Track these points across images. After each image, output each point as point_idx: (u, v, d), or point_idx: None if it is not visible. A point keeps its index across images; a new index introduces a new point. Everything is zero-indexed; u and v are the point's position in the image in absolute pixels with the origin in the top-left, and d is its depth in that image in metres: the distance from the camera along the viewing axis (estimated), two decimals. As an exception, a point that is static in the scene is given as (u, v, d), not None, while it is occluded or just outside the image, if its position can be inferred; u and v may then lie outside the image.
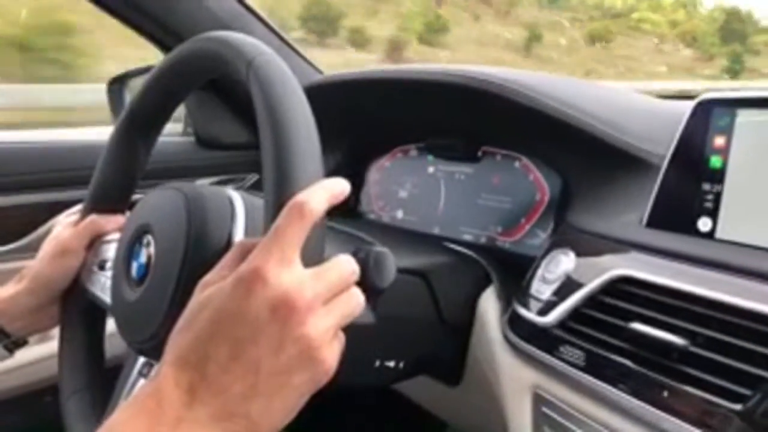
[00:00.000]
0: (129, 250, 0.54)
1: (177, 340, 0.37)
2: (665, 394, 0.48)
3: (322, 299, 0.38)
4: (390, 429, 1.14)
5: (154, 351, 0.46)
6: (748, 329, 0.46)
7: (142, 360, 0.58)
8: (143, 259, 0.52)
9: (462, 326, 0.69)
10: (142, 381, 0.57)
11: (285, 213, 0.38)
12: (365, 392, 1.09)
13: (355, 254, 0.50)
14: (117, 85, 1.18)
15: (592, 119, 0.65)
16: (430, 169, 0.89)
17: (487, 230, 0.81)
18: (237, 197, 0.52)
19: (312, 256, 0.39)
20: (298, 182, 0.40)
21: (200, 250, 0.48)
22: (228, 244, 0.49)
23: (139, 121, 0.62)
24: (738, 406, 0.43)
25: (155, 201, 0.55)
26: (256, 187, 1.08)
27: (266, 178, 0.41)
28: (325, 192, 0.40)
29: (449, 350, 0.70)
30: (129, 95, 1.17)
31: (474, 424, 0.79)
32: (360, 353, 0.57)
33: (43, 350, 0.91)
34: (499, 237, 0.79)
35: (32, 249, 0.81)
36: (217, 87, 1.04)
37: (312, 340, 0.36)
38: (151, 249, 0.51)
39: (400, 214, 0.92)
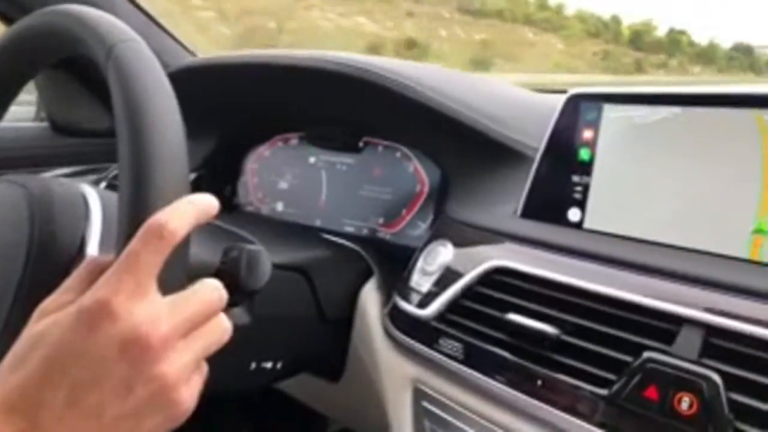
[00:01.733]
0: None
1: (5, 381, 0.31)
2: (539, 383, 0.49)
3: (181, 332, 0.34)
4: (270, 426, 1.10)
5: None
6: (611, 316, 0.48)
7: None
8: None
9: (343, 321, 0.68)
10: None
11: (141, 235, 0.33)
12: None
13: (227, 253, 0.46)
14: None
15: (470, 111, 0.66)
16: (311, 159, 0.86)
17: (368, 222, 0.79)
18: (93, 195, 0.47)
19: (171, 283, 0.35)
20: (157, 199, 0.35)
21: (45, 256, 0.42)
22: (80, 250, 0.44)
23: None
24: (604, 391, 0.45)
25: None
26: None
27: (122, 191, 0.36)
28: (190, 210, 0.35)
29: (330, 346, 0.68)
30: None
31: (356, 419, 0.78)
32: (234, 357, 0.53)
33: None
34: (381, 228, 0.78)
35: None
36: (73, 66, 0.94)
37: (167, 380, 0.32)
38: None
39: (280, 206, 0.88)
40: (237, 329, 0.39)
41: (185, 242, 0.36)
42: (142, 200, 0.35)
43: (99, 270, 0.35)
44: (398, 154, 0.78)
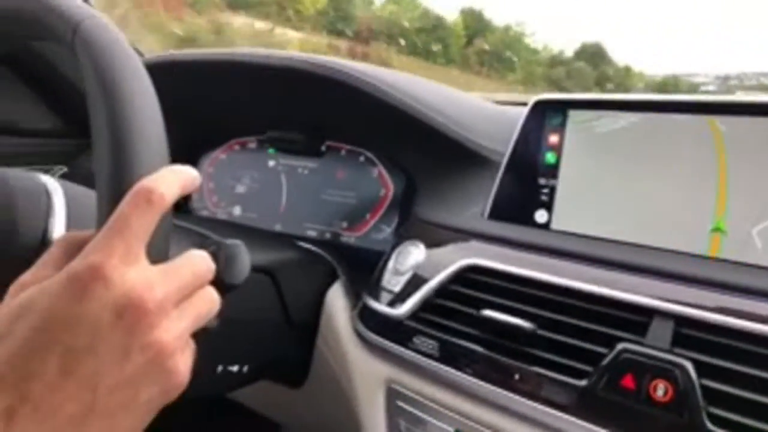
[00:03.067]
0: None
1: None
2: (516, 376, 0.49)
3: (174, 300, 0.33)
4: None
5: None
6: (585, 310, 0.49)
7: None
8: None
9: (308, 325, 0.67)
10: None
11: (130, 199, 0.32)
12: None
13: (203, 248, 0.45)
14: None
15: (438, 115, 0.67)
16: (271, 163, 0.85)
17: (331, 226, 0.79)
18: (56, 188, 0.45)
19: (159, 252, 0.34)
20: (142, 165, 0.34)
21: (4, 249, 0.40)
22: (43, 243, 0.41)
23: None
24: (582, 382, 0.46)
25: None
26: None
27: (101, 163, 0.35)
28: (175, 178, 0.35)
29: (294, 351, 0.67)
30: None
31: (318, 424, 0.76)
32: (202, 359, 0.51)
33: None
34: (344, 232, 0.78)
35: None
36: (14, 60, 0.89)
37: (164, 347, 0.31)
38: None
39: (237, 210, 0.86)
40: (205, 331, 0.38)
41: (169, 213, 0.35)
42: (125, 169, 0.34)
43: (76, 245, 0.34)
44: (362, 159, 0.78)
